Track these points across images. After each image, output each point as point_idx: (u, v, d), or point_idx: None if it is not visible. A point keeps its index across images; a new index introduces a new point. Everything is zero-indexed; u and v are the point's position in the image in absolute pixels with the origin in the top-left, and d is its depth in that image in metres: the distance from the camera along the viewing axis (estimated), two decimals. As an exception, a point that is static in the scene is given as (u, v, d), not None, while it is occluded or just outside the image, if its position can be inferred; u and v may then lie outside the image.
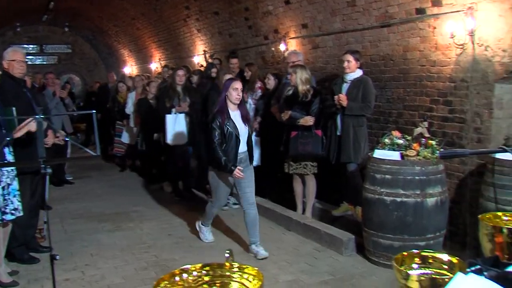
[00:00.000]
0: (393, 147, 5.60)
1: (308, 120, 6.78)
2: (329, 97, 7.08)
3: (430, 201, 5.36)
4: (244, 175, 5.83)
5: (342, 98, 6.68)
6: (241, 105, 6.03)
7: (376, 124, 7.43)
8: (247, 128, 6.04)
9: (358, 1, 7.53)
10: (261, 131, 8.14)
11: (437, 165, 5.46)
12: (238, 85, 5.89)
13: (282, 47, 9.60)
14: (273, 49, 10.05)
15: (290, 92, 7.04)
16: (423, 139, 5.63)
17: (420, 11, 6.60)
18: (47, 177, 4.66)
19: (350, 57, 6.80)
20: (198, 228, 6.67)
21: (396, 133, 5.76)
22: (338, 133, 6.92)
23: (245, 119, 6.03)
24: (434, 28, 6.48)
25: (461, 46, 6.11)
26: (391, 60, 7.20)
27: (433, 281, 1.38)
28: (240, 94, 5.91)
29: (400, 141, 5.63)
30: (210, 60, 11.89)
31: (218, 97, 6.13)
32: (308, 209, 7.20)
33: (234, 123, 5.85)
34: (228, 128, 5.79)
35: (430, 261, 1.52)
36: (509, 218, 1.83)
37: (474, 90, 6.06)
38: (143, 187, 10.24)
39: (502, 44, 5.69)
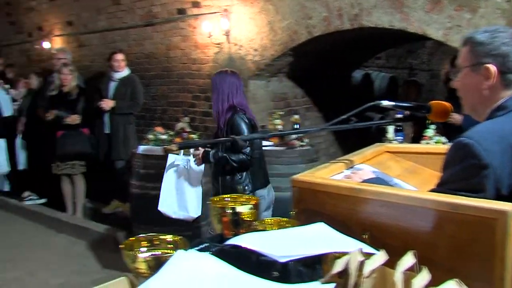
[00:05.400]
0: (157, 142, 5.77)
1: (75, 119, 6.68)
2: (96, 96, 7.05)
3: (194, 192, 5.63)
4: None
5: (108, 103, 6.69)
6: None
7: (143, 121, 7.57)
8: None
9: (123, 0, 7.61)
10: (26, 133, 7.84)
11: (200, 158, 5.73)
12: None
13: (46, 45, 9.32)
14: (37, 47, 9.72)
15: (55, 91, 6.86)
16: (185, 134, 5.89)
17: (181, 12, 6.88)
18: None
19: (120, 56, 6.84)
20: None
21: (158, 129, 5.95)
22: (107, 131, 6.90)
23: None
24: (194, 28, 6.80)
25: (218, 45, 6.50)
26: (155, 58, 7.39)
27: (158, 259, 1.49)
28: None
29: (164, 137, 5.82)
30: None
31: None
32: (79, 209, 7.09)
33: None
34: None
35: (157, 242, 1.64)
36: (233, 198, 2.06)
37: (231, 86, 6.47)
38: None
39: (253, 44, 6.18)
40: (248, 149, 3.88)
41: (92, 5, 8.21)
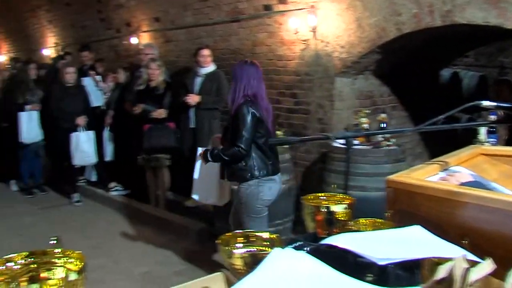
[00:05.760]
0: (242, 138, 5.79)
1: (161, 113, 6.81)
2: (182, 91, 7.15)
3: (278, 189, 5.62)
4: None
5: (194, 98, 6.77)
6: None
7: (227, 116, 7.56)
8: None
9: (209, -4, 7.71)
10: (114, 125, 8.07)
11: (284, 154, 5.72)
12: None
13: (134, 40, 9.55)
14: (125, 42, 9.98)
15: (142, 86, 7.01)
16: (270, 130, 5.88)
17: (267, 8, 6.88)
18: None
19: (206, 52, 6.92)
20: None
21: (244, 125, 5.96)
22: (192, 126, 6.99)
23: None
24: (280, 24, 6.78)
25: (304, 42, 6.46)
26: (241, 54, 7.42)
27: (254, 256, 1.48)
28: None
29: (248, 132, 5.84)
30: (60, 53, 11.54)
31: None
32: (162, 202, 7.23)
33: None
34: None
35: (253, 239, 1.64)
36: (327, 197, 2.02)
37: (317, 83, 6.43)
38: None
39: (340, 41, 6.10)
40: (241, 142, 4.14)
41: (179, 1, 8.34)
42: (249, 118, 4.14)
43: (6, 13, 14.39)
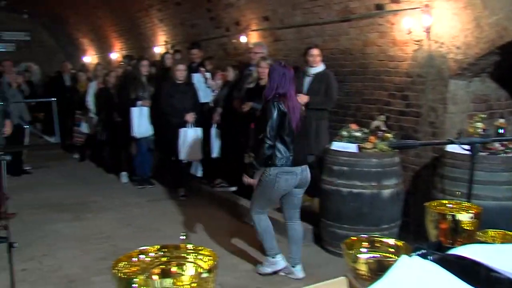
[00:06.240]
0: (351, 139, 5.70)
1: (269, 112, 6.82)
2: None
3: (386, 192, 5.50)
4: None
5: (302, 98, 6.73)
6: None
7: (335, 117, 7.48)
8: None
9: (319, -5, 7.64)
10: (221, 123, 8.18)
11: (393, 158, 5.59)
12: None
13: (243, 39, 9.65)
14: (234, 41, 10.10)
15: (252, 84, 7.05)
16: (380, 132, 5.75)
17: (379, 7, 6.72)
18: (4, 166, 4.62)
19: (315, 51, 6.88)
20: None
21: (353, 126, 5.87)
22: (299, 126, 6.95)
23: None
24: (392, 24, 6.61)
25: (417, 42, 6.26)
26: (351, 54, 7.31)
27: (380, 263, 1.44)
28: None
29: (358, 134, 5.74)
30: (170, 51, 11.84)
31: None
32: (268, 200, 7.25)
33: None
34: None
35: (378, 245, 1.59)
36: (453, 205, 1.92)
37: (430, 85, 6.21)
38: (102, 177, 10.18)
39: (456, 42, 5.85)
40: (267, 131, 4.78)
41: (288, 0, 8.32)
42: (275, 112, 4.76)
43: (121, 12, 14.95)
